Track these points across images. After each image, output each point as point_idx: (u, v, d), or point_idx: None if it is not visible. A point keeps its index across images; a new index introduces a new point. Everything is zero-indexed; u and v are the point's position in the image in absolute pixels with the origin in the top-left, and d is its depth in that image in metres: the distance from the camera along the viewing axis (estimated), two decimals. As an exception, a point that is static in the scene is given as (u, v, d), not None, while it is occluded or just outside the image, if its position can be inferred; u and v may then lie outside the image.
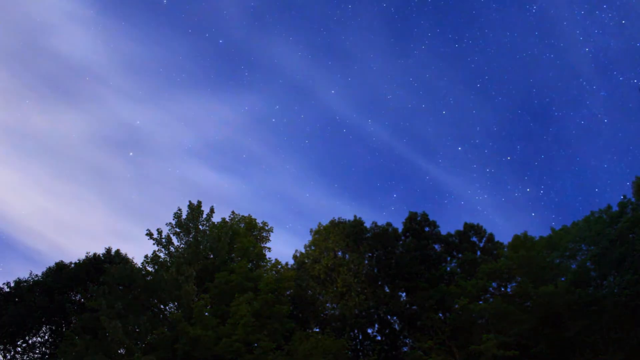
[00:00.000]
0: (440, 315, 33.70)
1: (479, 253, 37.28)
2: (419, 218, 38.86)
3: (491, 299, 31.25)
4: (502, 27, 74.92)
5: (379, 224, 38.76)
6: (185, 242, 29.24)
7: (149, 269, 28.53)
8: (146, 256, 28.78)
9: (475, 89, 75.62)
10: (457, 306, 30.83)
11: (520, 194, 71.03)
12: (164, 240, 29.04)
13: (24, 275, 40.80)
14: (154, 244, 28.99)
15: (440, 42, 77.59)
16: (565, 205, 73.73)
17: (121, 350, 25.39)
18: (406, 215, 39.55)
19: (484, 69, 76.75)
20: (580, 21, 67.35)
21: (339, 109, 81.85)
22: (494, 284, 32.75)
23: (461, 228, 38.55)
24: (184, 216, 29.77)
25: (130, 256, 33.94)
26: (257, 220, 35.37)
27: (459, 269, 35.23)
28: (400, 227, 39.00)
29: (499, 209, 79.63)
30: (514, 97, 77.01)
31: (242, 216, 34.90)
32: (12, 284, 34.51)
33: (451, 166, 76.84)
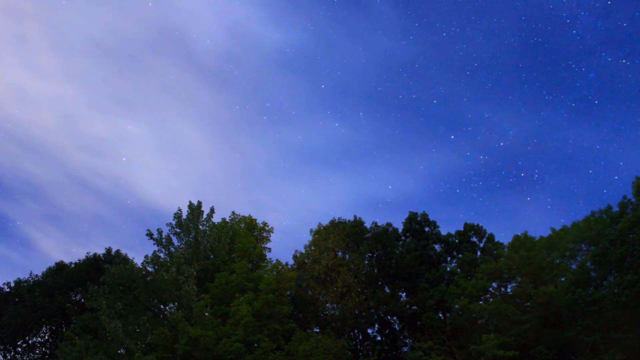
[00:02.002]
0: (440, 315, 33.67)
1: (479, 253, 37.23)
2: (419, 218, 38.83)
3: (491, 299, 31.22)
4: (489, 13, 74.89)
5: (379, 224, 38.82)
6: (186, 243, 29.20)
7: (149, 269, 28.52)
8: (146, 256, 28.81)
9: (465, 76, 75.55)
10: (457, 306, 30.81)
11: (515, 179, 71.06)
12: (164, 240, 29.02)
13: (23, 274, 40.87)
14: (154, 244, 28.99)
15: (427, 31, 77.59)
16: (560, 188, 73.74)
17: (121, 350, 25.39)
18: (406, 214, 39.58)
19: (472, 56, 76.70)
20: (566, 4, 67.42)
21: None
22: (494, 284, 32.72)
23: (461, 228, 38.55)
24: (184, 216, 29.74)
25: (130, 256, 34.00)
26: (257, 221, 35.36)
27: (459, 269, 35.20)
28: (400, 227, 39.01)
29: (493, 195, 79.87)
30: (504, 83, 77.01)
31: (243, 216, 34.87)
32: (12, 284, 34.55)
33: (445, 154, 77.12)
